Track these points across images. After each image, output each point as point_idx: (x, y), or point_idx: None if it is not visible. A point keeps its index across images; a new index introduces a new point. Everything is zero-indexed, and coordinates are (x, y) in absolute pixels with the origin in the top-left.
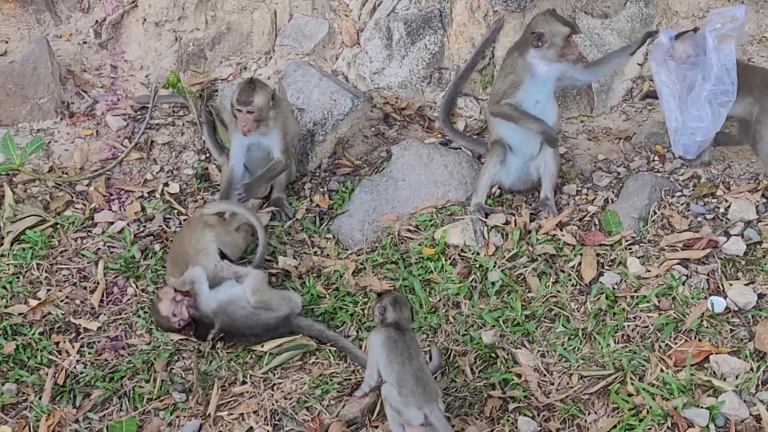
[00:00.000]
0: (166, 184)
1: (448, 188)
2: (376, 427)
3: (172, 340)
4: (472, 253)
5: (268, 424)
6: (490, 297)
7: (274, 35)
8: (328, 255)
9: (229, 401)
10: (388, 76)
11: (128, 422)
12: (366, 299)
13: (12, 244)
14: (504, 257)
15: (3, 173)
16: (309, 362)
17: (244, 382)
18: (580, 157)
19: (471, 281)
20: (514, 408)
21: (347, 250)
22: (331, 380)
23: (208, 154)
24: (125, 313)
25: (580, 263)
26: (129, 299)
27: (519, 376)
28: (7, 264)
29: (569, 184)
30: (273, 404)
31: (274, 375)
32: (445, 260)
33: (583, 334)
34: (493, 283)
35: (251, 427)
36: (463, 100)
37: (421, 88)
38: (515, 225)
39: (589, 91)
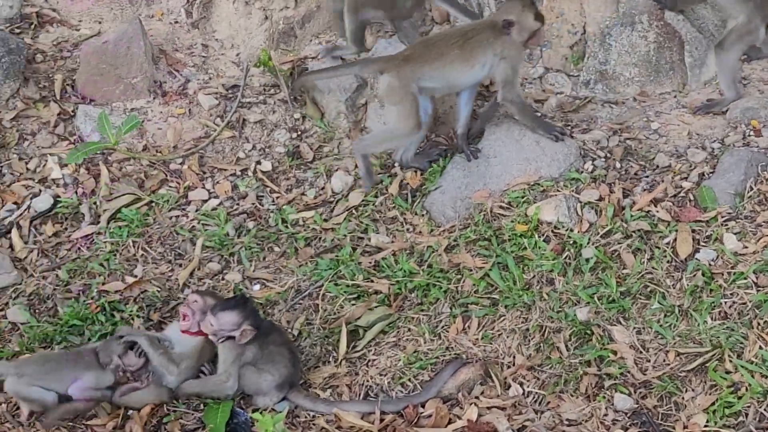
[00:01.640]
0: (258, 162)
1: (540, 164)
2: (473, 403)
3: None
4: (566, 230)
5: None
6: (585, 274)
7: None
8: (420, 232)
9: (326, 378)
10: None
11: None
12: (459, 276)
13: (108, 222)
14: (598, 234)
15: (99, 152)
16: (403, 339)
17: (338, 360)
18: (674, 133)
19: (565, 258)
20: (610, 385)
21: (440, 227)
22: (425, 356)
23: (299, 132)
24: (217, 291)
25: (675, 239)
26: (215, 275)
27: (615, 353)
28: (104, 242)
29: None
30: (368, 380)
31: (369, 352)
32: (539, 237)
33: (679, 311)
34: (587, 260)
35: None
36: (554, 76)
37: None
38: (609, 201)
39: (682, 66)
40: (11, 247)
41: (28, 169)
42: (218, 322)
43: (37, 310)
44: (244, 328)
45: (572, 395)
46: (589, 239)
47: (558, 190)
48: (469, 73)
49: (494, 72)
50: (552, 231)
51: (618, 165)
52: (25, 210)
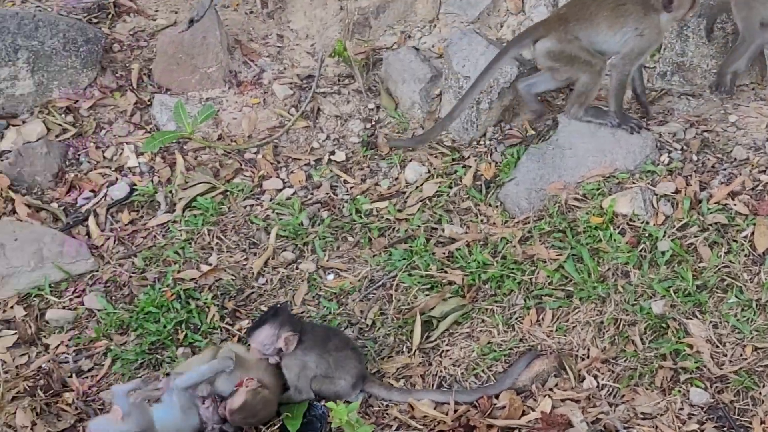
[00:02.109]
0: (332, 153)
1: (616, 156)
2: (547, 395)
3: (339, 310)
4: (641, 222)
5: None
6: (660, 267)
7: (438, 3)
8: (494, 223)
9: (400, 368)
10: None
11: None
12: (533, 267)
13: (184, 211)
14: (674, 226)
15: (175, 141)
16: (477, 330)
17: (412, 350)
18: (752, 125)
19: (640, 250)
20: (686, 379)
21: (514, 218)
22: (499, 348)
23: (373, 122)
24: (291, 280)
25: (753, 233)
26: (289, 265)
27: (690, 346)
28: (180, 230)
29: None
30: (441, 371)
31: (443, 342)
32: (614, 229)
33: (757, 306)
34: (663, 253)
35: None
36: None
37: None
38: (685, 194)
39: (761, 58)
40: (88, 234)
41: (104, 157)
42: (258, 342)
43: (113, 297)
44: (284, 336)
45: (647, 389)
46: (665, 232)
47: (633, 183)
48: (611, 39)
49: (626, 43)
50: (627, 223)
51: (695, 157)
52: (102, 198)
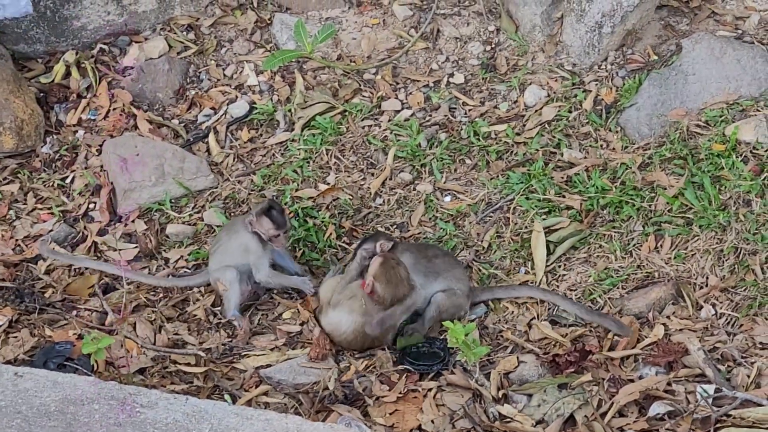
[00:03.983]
0: (451, 75)
1: (740, 83)
2: (663, 323)
3: (456, 231)
4: (765, 150)
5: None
6: None
7: None
8: (614, 148)
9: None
10: None
11: None
12: (653, 194)
13: (303, 130)
14: None
15: (294, 60)
16: (594, 255)
17: (527, 272)
18: None
19: (763, 179)
20: None
21: (634, 143)
22: (616, 273)
23: (493, 45)
24: (408, 201)
25: None
26: (406, 186)
27: None
28: (298, 149)
29: None
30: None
31: (559, 267)
32: (736, 157)
33: None
34: None
35: (534, 317)
36: None
37: None
38: None
39: None
40: (208, 151)
41: (225, 75)
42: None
43: (232, 214)
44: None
45: (767, 318)
46: None
47: (758, 110)
48: None
49: None
50: (750, 151)
51: None
52: (222, 115)
